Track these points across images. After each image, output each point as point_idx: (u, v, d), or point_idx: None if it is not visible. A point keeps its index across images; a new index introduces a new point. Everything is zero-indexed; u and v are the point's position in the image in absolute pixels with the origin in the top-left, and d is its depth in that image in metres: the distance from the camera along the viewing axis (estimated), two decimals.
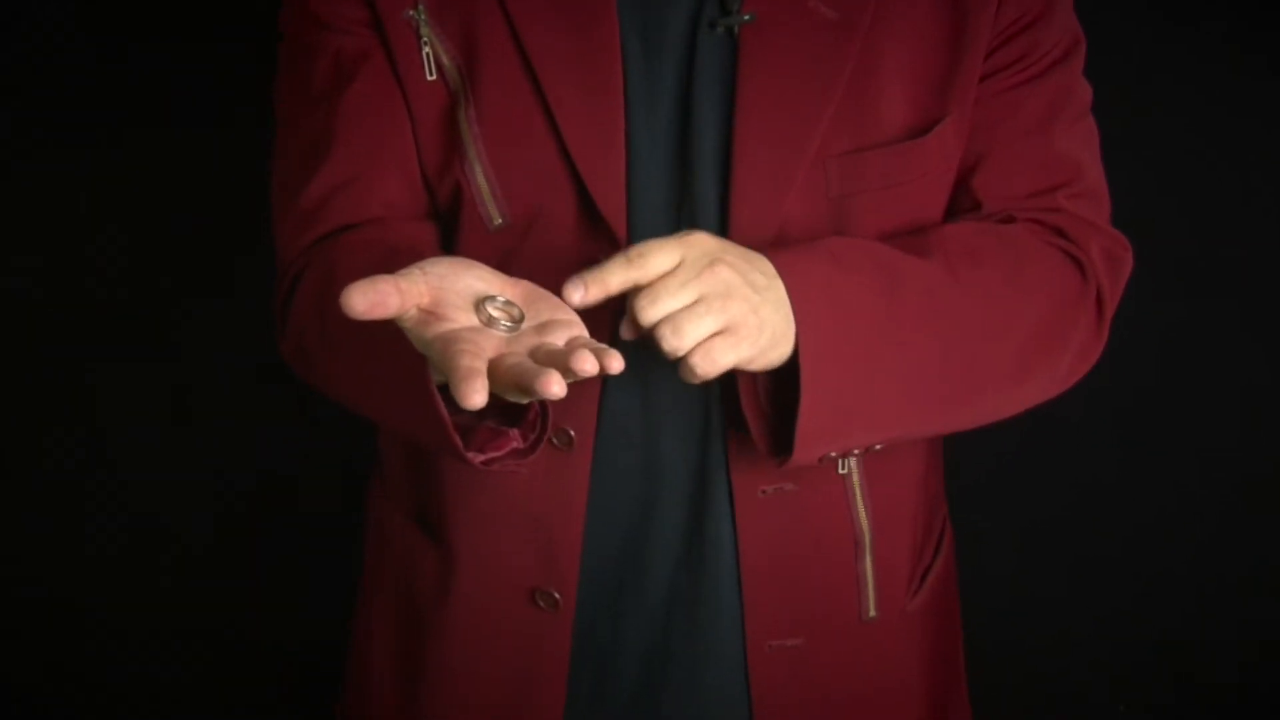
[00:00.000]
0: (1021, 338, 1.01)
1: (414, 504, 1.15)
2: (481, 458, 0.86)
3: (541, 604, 1.09)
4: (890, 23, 1.00)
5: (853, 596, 1.10)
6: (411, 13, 1.01)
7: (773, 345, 0.91)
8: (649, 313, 0.87)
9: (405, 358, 0.82)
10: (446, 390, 0.81)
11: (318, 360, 1.03)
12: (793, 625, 1.09)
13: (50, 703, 1.75)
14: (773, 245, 0.96)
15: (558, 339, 0.81)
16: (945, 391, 0.99)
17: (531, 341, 0.80)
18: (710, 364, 0.88)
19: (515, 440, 0.89)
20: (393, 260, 0.94)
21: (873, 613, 1.11)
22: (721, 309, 0.87)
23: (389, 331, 0.82)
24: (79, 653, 1.74)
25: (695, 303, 0.87)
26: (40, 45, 1.55)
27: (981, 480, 1.52)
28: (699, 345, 0.88)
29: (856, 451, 1.02)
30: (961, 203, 1.06)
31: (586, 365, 0.74)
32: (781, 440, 0.97)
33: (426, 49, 1.01)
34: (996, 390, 1.02)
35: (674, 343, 0.87)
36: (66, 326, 1.64)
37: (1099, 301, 1.05)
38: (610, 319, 0.95)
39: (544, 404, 0.89)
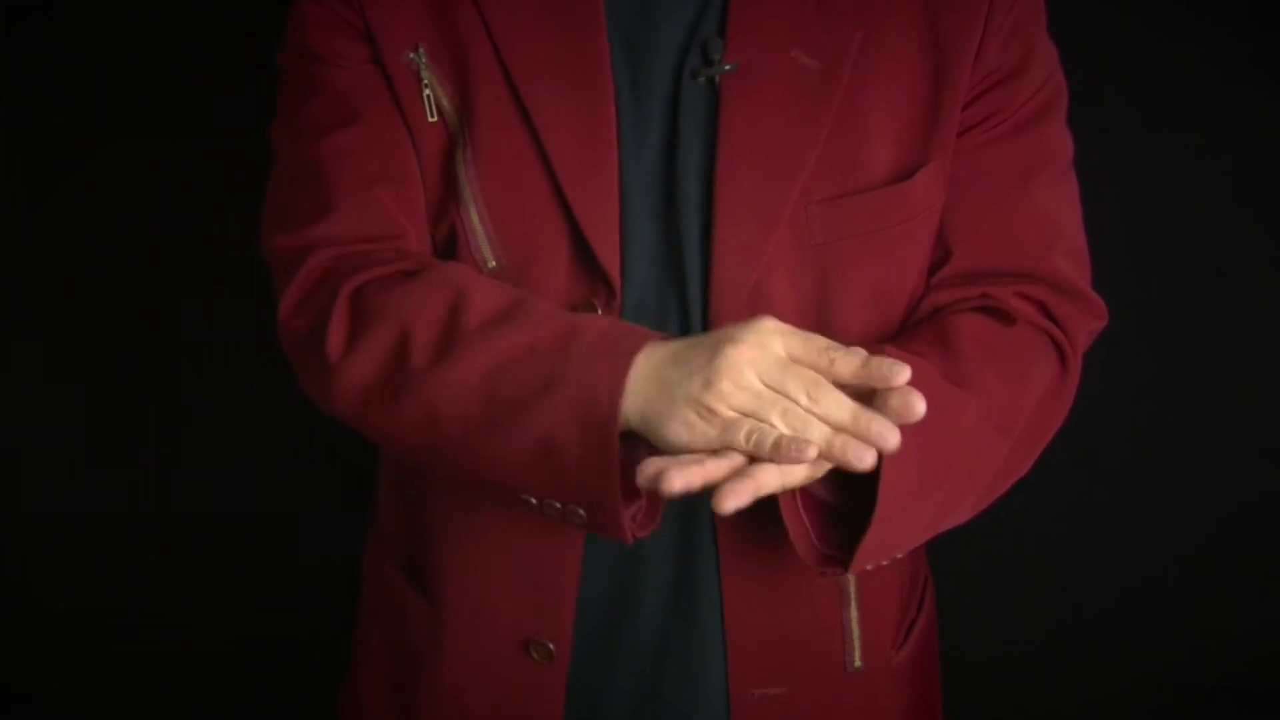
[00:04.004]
0: (1022, 440, 1.01)
1: (405, 556, 1.15)
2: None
3: (535, 655, 1.09)
4: (871, 71, 0.99)
5: (837, 646, 1.09)
6: (412, 55, 1.01)
7: None
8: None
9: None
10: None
11: (423, 387, 0.95)
12: (776, 674, 1.08)
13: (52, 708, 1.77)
14: None
15: None
16: (970, 501, 1.00)
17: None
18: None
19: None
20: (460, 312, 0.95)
21: (858, 663, 1.10)
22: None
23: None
24: (79, 662, 1.76)
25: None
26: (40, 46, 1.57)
27: None
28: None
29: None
30: (935, 256, 1.05)
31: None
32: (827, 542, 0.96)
33: (427, 91, 1.01)
34: (1000, 486, 1.02)
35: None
36: (70, 328, 1.65)
37: (1070, 382, 1.05)
38: None
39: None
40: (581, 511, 0.92)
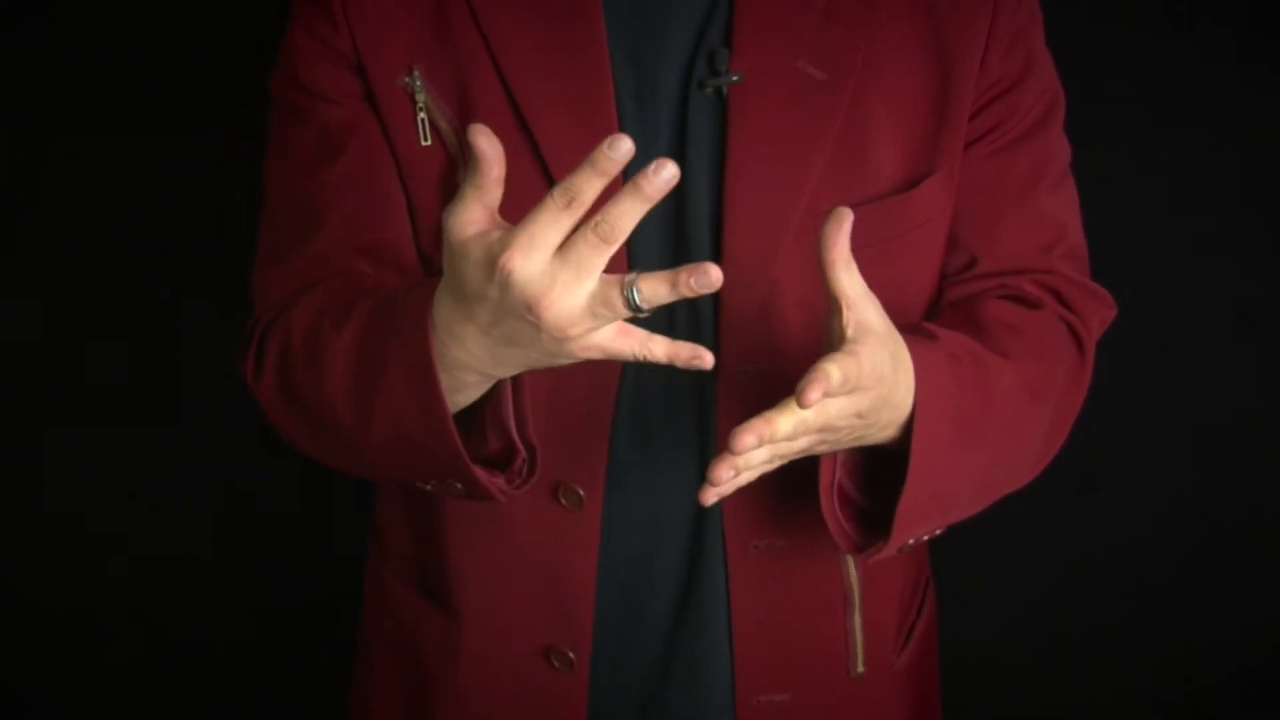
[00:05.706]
0: (1048, 428, 1.03)
1: (415, 571, 1.15)
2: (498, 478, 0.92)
3: (556, 664, 1.09)
4: (877, 81, 0.99)
5: (840, 652, 1.10)
6: (406, 79, 1.01)
7: (876, 433, 0.91)
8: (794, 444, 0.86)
9: (419, 370, 0.86)
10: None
11: (305, 393, 0.99)
12: (781, 680, 1.09)
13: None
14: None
15: None
16: (1019, 469, 1.02)
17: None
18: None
19: (501, 482, 0.94)
20: (363, 297, 0.96)
21: (860, 669, 1.11)
22: (849, 434, 0.89)
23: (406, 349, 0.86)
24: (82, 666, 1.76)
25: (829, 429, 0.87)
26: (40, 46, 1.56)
27: None
28: None
29: (922, 538, 1.01)
30: (956, 261, 1.06)
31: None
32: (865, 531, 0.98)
33: (421, 114, 1.01)
34: (1023, 476, 1.04)
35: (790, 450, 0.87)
36: (70, 328, 1.64)
37: (1087, 366, 1.06)
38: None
39: (530, 450, 0.94)
40: (456, 484, 0.94)
